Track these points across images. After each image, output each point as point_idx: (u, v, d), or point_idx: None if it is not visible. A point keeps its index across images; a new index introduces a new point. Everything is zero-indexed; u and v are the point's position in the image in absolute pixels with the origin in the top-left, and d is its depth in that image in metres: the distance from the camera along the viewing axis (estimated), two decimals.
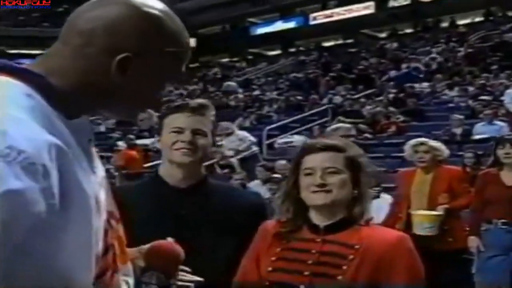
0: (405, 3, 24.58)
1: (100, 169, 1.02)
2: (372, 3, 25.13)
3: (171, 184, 1.73)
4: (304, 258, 1.53)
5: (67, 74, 0.92)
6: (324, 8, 26.42)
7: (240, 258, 1.63)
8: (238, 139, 9.37)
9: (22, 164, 0.75)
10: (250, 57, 28.13)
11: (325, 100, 13.56)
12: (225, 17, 28.54)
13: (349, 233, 1.55)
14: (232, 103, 16.26)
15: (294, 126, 12.14)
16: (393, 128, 10.14)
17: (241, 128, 11.83)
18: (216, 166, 10.18)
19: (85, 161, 0.92)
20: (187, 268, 1.32)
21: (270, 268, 1.56)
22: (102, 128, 14.46)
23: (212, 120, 1.77)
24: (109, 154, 10.44)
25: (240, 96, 16.84)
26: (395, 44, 19.52)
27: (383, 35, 25.05)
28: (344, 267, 1.48)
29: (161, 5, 0.96)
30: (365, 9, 25.28)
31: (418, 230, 4.08)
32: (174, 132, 1.71)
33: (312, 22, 26.48)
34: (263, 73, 21.74)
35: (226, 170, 8.78)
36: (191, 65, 29.36)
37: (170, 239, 1.28)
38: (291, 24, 27.13)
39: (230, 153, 9.19)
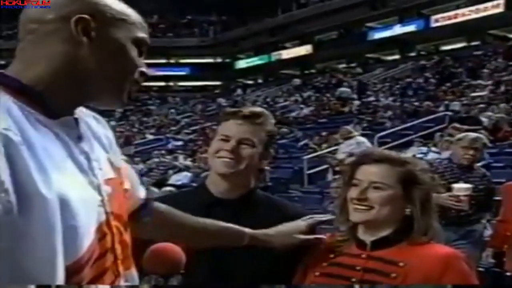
0: None
1: (106, 170, 1.02)
2: (501, 1, 23.30)
3: (216, 194, 1.67)
4: (347, 274, 1.45)
5: (34, 64, 0.93)
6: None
7: (279, 273, 1.55)
8: (356, 143, 9.21)
9: None
10: (367, 62, 27.53)
11: (442, 107, 12.84)
12: (342, 23, 28.19)
13: (397, 250, 1.44)
14: (346, 109, 16.03)
15: (407, 133, 11.63)
16: None
17: None
18: (330, 172, 10.09)
19: (70, 161, 0.93)
20: None
21: (313, 285, 1.50)
22: None
23: (267, 130, 1.66)
24: None
25: (354, 102, 16.54)
26: None
27: None
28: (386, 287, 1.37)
29: None
30: (494, 8, 23.50)
31: None
32: (221, 140, 1.64)
33: (433, 25, 25.21)
34: (380, 79, 21.20)
35: (337, 176, 8.60)
36: (306, 71, 29.67)
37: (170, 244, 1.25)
38: (410, 28, 26.07)
39: (342, 156, 9.01)
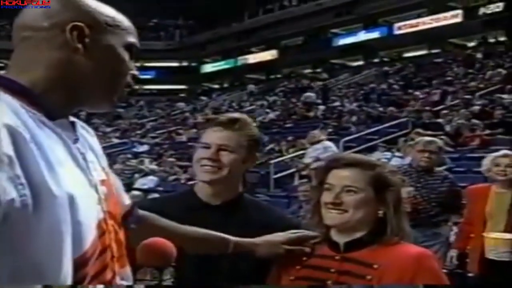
0: (498, 10, 23.28)
1: (99, 172, 1.05)
2: (460, 12, 24.09)
3: (204, 200, 1.68)
4: (323, 277, 1.48)
5: (29, 70, 0.96)
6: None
7: (258, 271, 1.57)
8: (323, 147, 9.26)
9: None
10: (332, 68, 27.88)
11: (405, 113, 13.12)
12: (308, 29, 28.49)
13: (370, 251, 1.47)
14: (311, 114, 16.19)
15: (372, 138, 11.84)
16: (476, 141, 9.59)
17: None
18: (296, 176, 10.16)
19: (71, 159, 0.97)
20: None
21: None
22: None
23: (248, 134, 1.66)
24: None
25: (320, 107, 16.72)
26: (483, 54, 18.57)
27: (472, 44, 23.91)
28: None
29: None
30: (453, 18, 24.25)
31: (492, 255, 3.74)
32: (202, 148, 1.66)
33: (396, 32, 25.80)
34: (344, 84, 21.51)
35: (304, 180, 8.66)
36: (272, 76, 29.81)
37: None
38: (374, 34, 26.60)
39: (309, 160, 9.06)
